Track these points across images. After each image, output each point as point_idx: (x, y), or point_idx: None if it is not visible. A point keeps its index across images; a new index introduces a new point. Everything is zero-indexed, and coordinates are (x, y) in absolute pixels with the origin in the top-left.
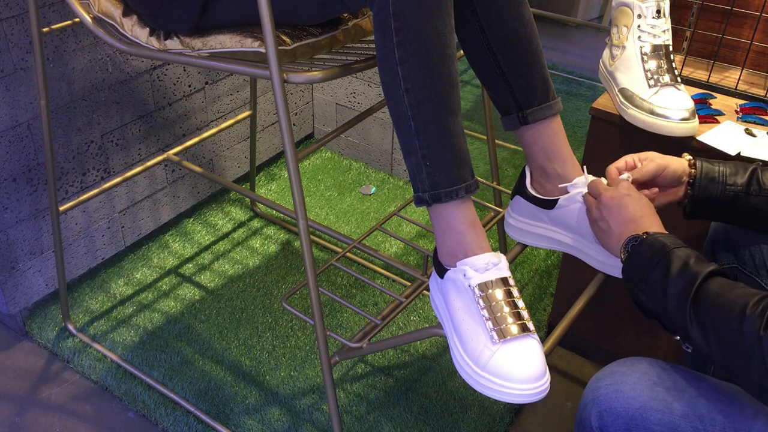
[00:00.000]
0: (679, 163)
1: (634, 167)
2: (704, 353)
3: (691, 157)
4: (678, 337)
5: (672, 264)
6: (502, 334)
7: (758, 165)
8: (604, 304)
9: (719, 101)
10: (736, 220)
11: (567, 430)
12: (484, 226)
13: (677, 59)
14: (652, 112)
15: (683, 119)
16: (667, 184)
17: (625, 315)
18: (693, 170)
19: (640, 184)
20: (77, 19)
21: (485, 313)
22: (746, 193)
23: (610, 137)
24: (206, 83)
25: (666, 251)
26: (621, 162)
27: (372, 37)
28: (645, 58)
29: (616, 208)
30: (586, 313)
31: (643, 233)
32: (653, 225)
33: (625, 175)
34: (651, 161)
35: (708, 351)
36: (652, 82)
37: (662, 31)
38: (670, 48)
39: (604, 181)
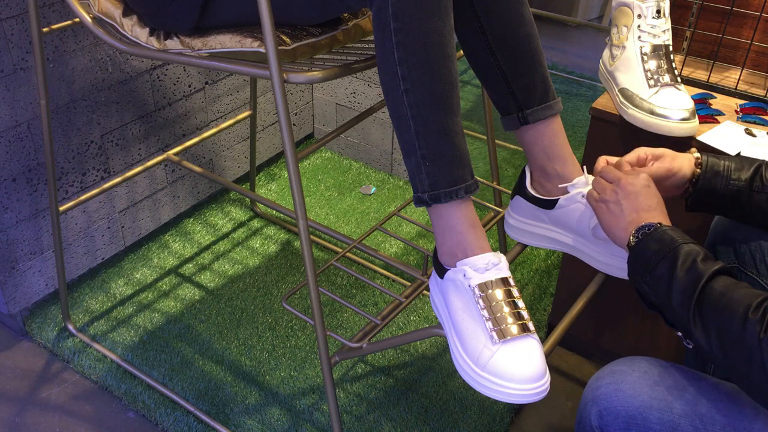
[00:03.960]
0: (689, 166)
1: (645, 164)
2: (705, 352)
3: (698, 155)
4: (680, 333)
5: (679, 259)
6: (502, 334)
7: (764, 161)
8: (604, 304)
9: (719, 101)
10: (737, 216)
11: (567, 430)
12: (484, 226)
13: (677, 59)
14: (652, 112)
15: (683, 119)
16: (673, 185)
17: (626, 315)
18: (698, 170)
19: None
20: (77, 19)
21: (485, 313)
22: (749, 189)
23: (610, 137)
24: (206, 83)
25: (674, 245)
26: (633, 156)
27: (372, 37)
28: (645, 58)
29: (634, 195)
30: (586, 313)
31: (657, 223)
32: (664, 221)
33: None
34: (662, 163)
35: (709, 350)
36: (652, 82)
37: (662, 31)
38: (670, 48)
39: None
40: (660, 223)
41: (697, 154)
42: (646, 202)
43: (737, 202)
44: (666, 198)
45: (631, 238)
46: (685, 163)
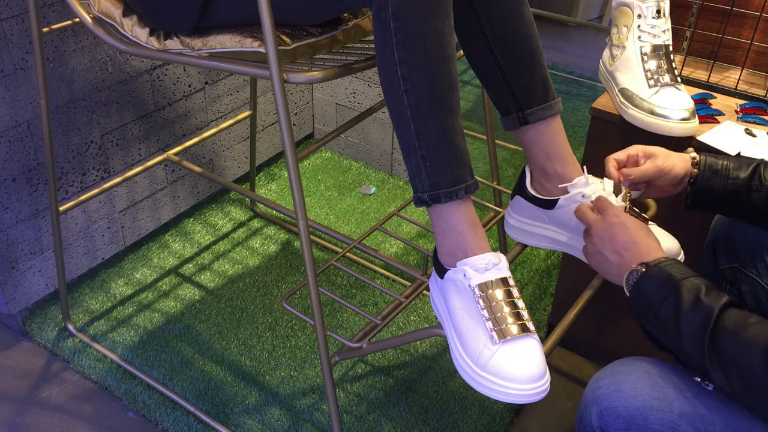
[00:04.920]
0: (683, 165)
1: (636, 163)
2: (727, 393)
3: (695, 155)
4: (698, 378)
5: (683, 297)
6: (502, 334)
7: (762, 161)
8: (604, 304)
9: (719, 101)
10: (736, 214)
11: (567, 430)
12: (484, 226)
13: (677, 59)
14: (652, 112)
15: (683, 119)
16: (667, 184)
17: (626, 315)
18: (696, 170)
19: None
20: (77, 19)
21: (485, 313)
22: (747, 188)
23: (610, 137)
24: (206, 83)
25: (674, 283)
26: (623, 155)
27: (372, 37)
28: (645, 58)
29: (609, 238)
30: (586, 313)
31: (641, 265)
32: (650, 249)
33: (618, 200)
34: (652, 162)
35: (731, 391)
36: (652, 82)
37: (662, 31)
38: (670, 48)
39: (598, 195)
40: (645, 263)
41: (694, 154)
42: (622, 239)
43: (736, 202)
44: (666, 197)
45: (625, 287)
46: (678, 162)
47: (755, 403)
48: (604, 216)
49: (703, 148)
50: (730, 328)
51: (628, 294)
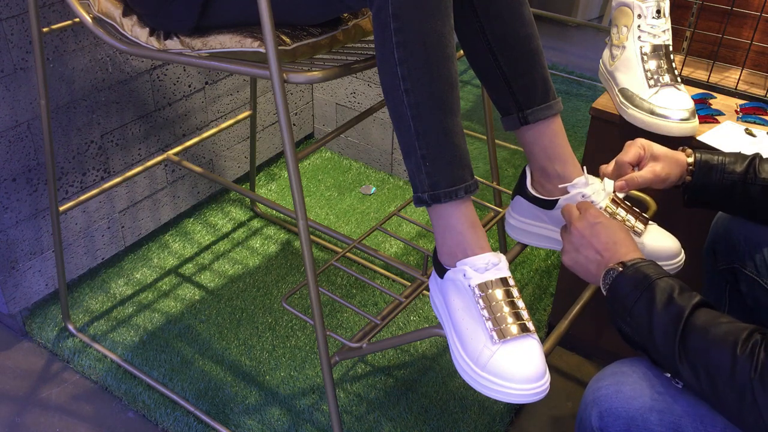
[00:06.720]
0: (679, 172)
1: (641, 161)
2: (696, 391)
3: (691, 161)
4: (668, 375)
5: (656, 296)
6: (502, 334)
7: (758, 155)
8: (605, 304)
9: (719, 101)
10: (734, 209)
11: (567, 430)
12: (484, 226)
13: (677, 59)
14: (652, 112)
15: (683, 119)
16: (663, 186)
17: None
18: (689, 177)
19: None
20: (77, 19)
21: (485, 313)
22: (743, 181)
23: (610, 137)
24: (206, 83)
25: (649, 282)
26: (633, 155)
27: (372, 37)
28: (645, 58)
29: (589, 238)
30: (586, 313)
31: (618, 264)
32: (628, 250)
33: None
34: (650, 170)
35: (700, 390)
36: (652, 82)
37: (662, 31)
38: (670, 48)
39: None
40: (623, 263)
41: (690, 159)
42: (603, 239)
43: (732, 195)
44: (665, 196)
45: (602, 288)
46: (675, 170)
47: (722, 402)
48: (584, 215)
49: (702, 149)
50: (701, 326)
51: (604, 293)
